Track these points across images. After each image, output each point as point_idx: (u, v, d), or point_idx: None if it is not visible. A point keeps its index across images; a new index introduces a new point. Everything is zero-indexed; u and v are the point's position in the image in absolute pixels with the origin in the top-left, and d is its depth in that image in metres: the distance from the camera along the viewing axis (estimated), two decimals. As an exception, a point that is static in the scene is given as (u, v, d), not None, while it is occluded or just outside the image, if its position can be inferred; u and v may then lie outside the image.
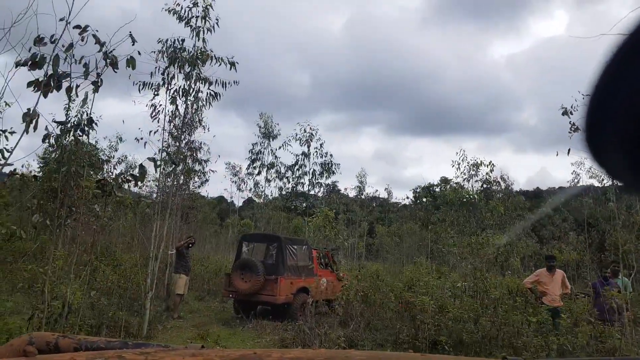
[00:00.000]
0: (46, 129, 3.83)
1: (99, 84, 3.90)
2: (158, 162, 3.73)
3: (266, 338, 8.99)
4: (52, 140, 3.82)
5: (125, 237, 18.24)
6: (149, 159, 3.73)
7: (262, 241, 11.97)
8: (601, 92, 0.56)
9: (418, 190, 60.44)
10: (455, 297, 8.35)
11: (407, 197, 54.72)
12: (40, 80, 3.58)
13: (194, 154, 17.63)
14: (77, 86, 3.79)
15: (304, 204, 32.17)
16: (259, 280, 10.55)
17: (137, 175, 3.85)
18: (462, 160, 13.77)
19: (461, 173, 13.81)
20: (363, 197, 32.48)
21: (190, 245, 11.36)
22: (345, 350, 2.06)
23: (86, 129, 4.01)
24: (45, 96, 3.60)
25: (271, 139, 21.68)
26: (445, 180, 60.62)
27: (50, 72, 3.61)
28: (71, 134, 4.07)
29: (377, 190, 43.28)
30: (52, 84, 3.60)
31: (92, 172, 16.05)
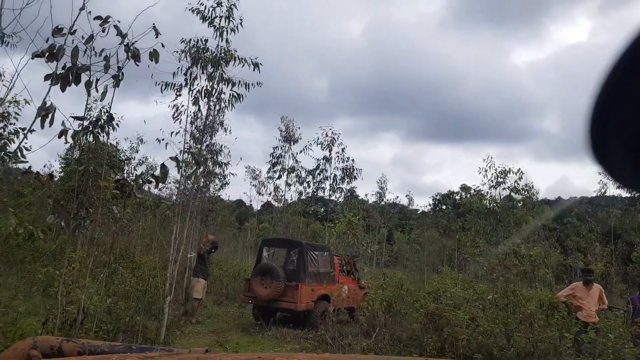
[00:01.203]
0: (63, 124, 3.62)
1: (120, 78, 3.68)
2: (180, 163, 3.48)
3: (287, 347, 8.69)
4: (69, 138, 3.62)
5: (145, 239, 18.20)
6: (171, 158, 3.50)
7: (283, 246, 11.70)
8: (607, 95, 0.56)
9: (438, 197, 59.90)
10: (485, 310, 7.92)
11: (429, 205, 54.09)
12: (58, 73, 3.38)
13: (215, 157, 17.62)
14: (97, 80, 3.58)
15: (322, 209, 31.95)
16: (280, 287, 10.27)
17: (158, 176, 3.61)
18: (490, 167, 13.33)
19: (489, 180, 13.37)
20: (383, 203, 32.07)
21: (213, 250, 11.13)
22: (349, 355, 1.99)
23: (106, 126, 3.80)
24: (63, 90, 3.40)
25: (292, 143, 21.46)
26: (465, 188, 59.84)
27: (68, 64, 3.41)
28: (90, 131, 3.85)
29: (397, 197, 42.69)
30: (71, 77, 3.40)
31: (111, 172, 16.09)
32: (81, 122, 3.80)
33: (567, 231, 32.69)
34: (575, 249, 29.17)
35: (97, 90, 3.65)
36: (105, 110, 3.83)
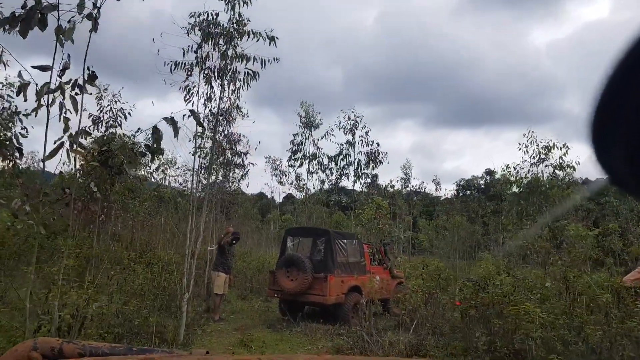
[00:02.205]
0: (19, 75, 2.83)
1: (97, 18, 2.87)
2: (178, 125, 2.67)
3: (318, 344, 7.88)
4: (30, 94, 2.84)
5: (166, 233, 17.66)
6: (165, 120, 2.69)
7: (309, 235, 10.84)
8: (608, 99, 0.54)
9: (462, 182, 58.23)
10: (544, 300, 6.96)
11: (457, 190, 52.66)
12: (17, 14, 2.60)
13: (234, 147, 16.88)
14: (71, 24, 2.76)
15: (344, 199, 31.06)
16: (307, 279, 9.47)
17: (152, 145, 2.82)
18: (530, 142, 12.18)
19: (530, 157, 12.21)
20: (408, 189, 30.98)
21: (235, 242, 10.35)
22: (351, 357, 2.23)
23: (85, 86, 2.99)
24: (24, 36, 2.61)
25: (312, 129, 20.55)
26: (490, 172, 58.20)
27: (31, 3, 2.62)
28: (58, 87, 3.03)
29: (423, 182, 41.18)
30: (34, 20, 2.61)
31: (129, 167, 15.52)
32: (61, 77, 2.97)
33: (605, 211, 31.05)
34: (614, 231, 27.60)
35: (71, 41, 2.84)
36: (87, 68, 3.03)
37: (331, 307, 9.54)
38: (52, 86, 2.87)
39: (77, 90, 2.98)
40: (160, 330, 7.08)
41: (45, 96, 2.83)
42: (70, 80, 3.03)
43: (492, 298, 7.66)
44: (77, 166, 2.84)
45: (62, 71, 2.97)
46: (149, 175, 18.39)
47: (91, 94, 3.12)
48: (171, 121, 2.78)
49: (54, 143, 3.03)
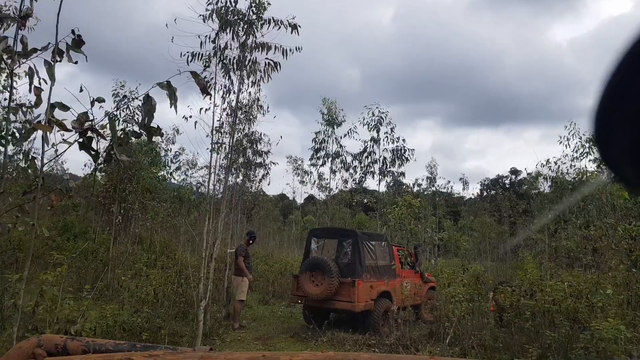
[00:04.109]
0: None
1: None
2: (174, 94, 2.06)
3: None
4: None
5: (186, 235, 17.22)
6: (160, 85, 2.07)
7: (335, 237, 10.11)
8: (611, 96, 0.54)
9: (486, 182, 56.71)
10: (605, 307, 6.12)
11: (482, 189, 51.31)
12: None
13: (255, 145, 16.32)
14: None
15: (365, 200, 30.27)
16: (333, 284, 8.77)
17: (148, 124, 2.21)
18: (572, 135, 11.23)
19: (572, 151, 11.24)
20: (434, 188, 29.98)
21: (251, 242, 9.74)
22: (355, 353, 2.20)
23: (68, 53, 2.39)
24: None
25: (335, 127, 19.85)
26: (515, 171, 56.53)
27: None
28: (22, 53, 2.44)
29: (449, 182, 39.75)
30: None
31: (151, 168, 15.06)
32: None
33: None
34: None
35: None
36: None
37: (359, 315, 8.82)
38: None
39: (57, 57, 2.38)
40: (175, 341, 6.49)
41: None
42: (49, 44, 2.42)
43: (542, 306, 6.85)
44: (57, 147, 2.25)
45: (23, 19, 2.40)
46: (169, 176, 18.02)
47: (76, 62, 2.50)
48: (167, 86, 2.14)
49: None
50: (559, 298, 6.86)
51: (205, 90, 2.23)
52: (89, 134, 2.38)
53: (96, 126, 2.45)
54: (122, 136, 2.43)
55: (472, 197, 47.26)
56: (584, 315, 6.53)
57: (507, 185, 55.93)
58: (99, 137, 2.41)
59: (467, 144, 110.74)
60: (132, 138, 2.46)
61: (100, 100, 2.40)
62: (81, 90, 2.53)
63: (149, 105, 2.12)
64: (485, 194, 53.60)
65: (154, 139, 2.59)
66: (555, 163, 11.71)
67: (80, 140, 2.39)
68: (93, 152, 2.37)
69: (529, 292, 7.02)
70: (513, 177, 57.46)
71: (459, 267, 9.60)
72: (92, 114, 2.44)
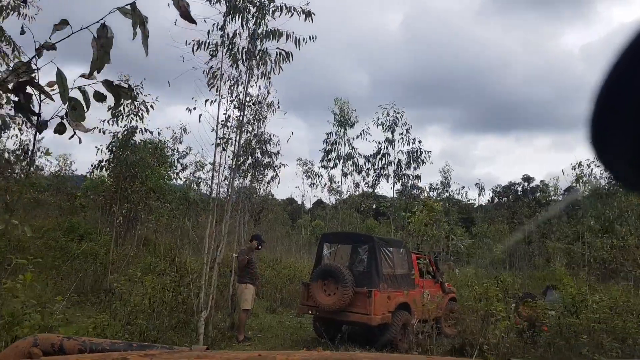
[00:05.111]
0: None
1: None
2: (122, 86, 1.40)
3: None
4: None
5: (191, 238, 16.53)
6: (119, 9, 1.38)
7: (349, 242, 9.33)
8: (608, 94, 0.55)
9: (498, 189, 55.52)
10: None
11: (494, 196, 50.29)
12: None
13: (264, 146, 15.63)
14: None
15: (374, 205, 29.44)
16: (347, 294, 8.01)
17: (96, 63, 1.56)
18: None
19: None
20: (447, 194, 29.10)
21: (260, 247, 8.98)
22: (351, 353, 2.24)
23: None
24: None
25: (347, 128, 19.07)
26: (527, 178, 55.37)
27: None
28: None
29: (463, 187, 38.39)
30: None
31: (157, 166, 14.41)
32: None
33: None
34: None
35: None
36: None
37: (376, 328, 8.04)
38: None
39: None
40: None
41: None
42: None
43: (586, 325, 6.04)
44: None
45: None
46: (175, 176, 17.39)
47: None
48: (131, 8, 1.44)
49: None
50: (606, 316, 6.05)
51: (186, 16, 1.51)
52: (28, 89, 1.67)
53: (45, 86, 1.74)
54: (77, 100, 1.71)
55: (483, 204, 46.17)
56: (635, 334, 5.73)
57: (519, 193, 54.88)
58: (44, 96, 1.70)
59: (477, 150, 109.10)
60: (93, 99, 1.75)
61: (49, 46, 1.68)
62: (22, 33, 1.83)
63: (104, 39, 1.42)
64: (496, 200, 52.58)
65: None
66: (589, 166, 10.85)
67: (16, 98, 1.68)
68: (34, 116, 1.67)
69: (571, 309, 6.20)
70: (525, 184, 56.44)
71: (485, 277, 8.73)
72: (36, 64, 1.72)
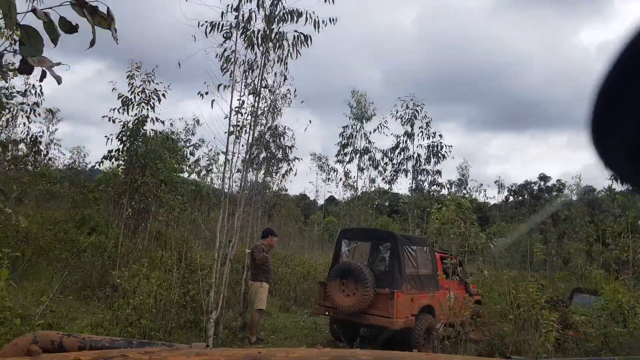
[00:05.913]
0: None
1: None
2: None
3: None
4: None
5: (203, 232, 16.11)
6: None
7: (369, 239, 8.75)
8: (608, 91, 0.53)
9: (514, 188, 54.34)
10: None
11: (509, 195, 49.24)
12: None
13: (278, 140, 15.13)
14: None
15: (387, 203, 28.81)
16: (368, 294, 7.46)
17: None
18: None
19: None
20: (465, 191, 28.29)
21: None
22: (351, 350, 2.10)
23: None
24: None
25: (364, 121, 18.47)
26: (544, 177, 54.16)
27: None
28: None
29: (482, 185, 37.32)
30: None
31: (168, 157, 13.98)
32: None
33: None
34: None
35: None
36: None
37: (398, 332, 7.48)
38: None
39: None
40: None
41: None
42: None
43: (636, 335, 5.41)
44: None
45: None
46: (188, 169, 16.99)
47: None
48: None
49: None
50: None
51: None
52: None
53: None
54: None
55: (497, 203, 45.01)
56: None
57: (535, 192, 53.76)
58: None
59: (491, 148, 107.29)
60: (61, 31, 1.23)
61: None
62: None
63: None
64: (511, 199, 51.50)
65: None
66: (545, 179, 10.09)
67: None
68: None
69: (617, 318, 5.58)
70: (542, 183, 55.32)
71: (520, 280, 8.08)
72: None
